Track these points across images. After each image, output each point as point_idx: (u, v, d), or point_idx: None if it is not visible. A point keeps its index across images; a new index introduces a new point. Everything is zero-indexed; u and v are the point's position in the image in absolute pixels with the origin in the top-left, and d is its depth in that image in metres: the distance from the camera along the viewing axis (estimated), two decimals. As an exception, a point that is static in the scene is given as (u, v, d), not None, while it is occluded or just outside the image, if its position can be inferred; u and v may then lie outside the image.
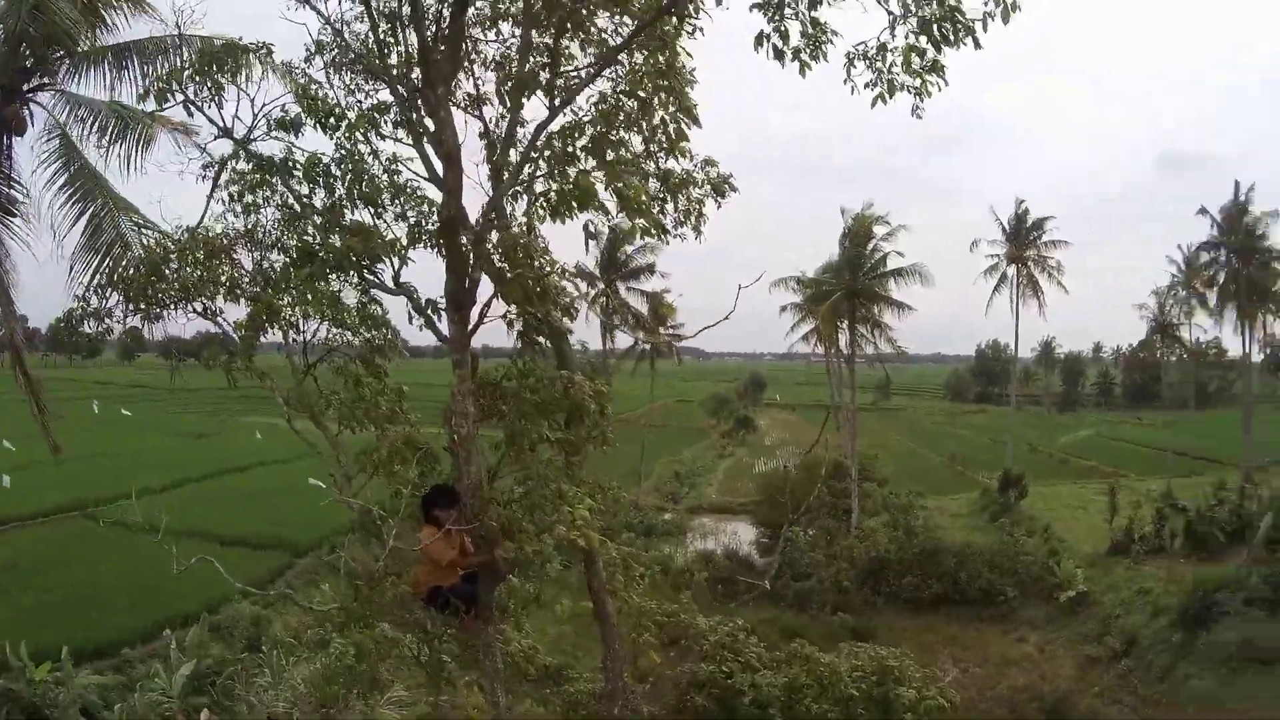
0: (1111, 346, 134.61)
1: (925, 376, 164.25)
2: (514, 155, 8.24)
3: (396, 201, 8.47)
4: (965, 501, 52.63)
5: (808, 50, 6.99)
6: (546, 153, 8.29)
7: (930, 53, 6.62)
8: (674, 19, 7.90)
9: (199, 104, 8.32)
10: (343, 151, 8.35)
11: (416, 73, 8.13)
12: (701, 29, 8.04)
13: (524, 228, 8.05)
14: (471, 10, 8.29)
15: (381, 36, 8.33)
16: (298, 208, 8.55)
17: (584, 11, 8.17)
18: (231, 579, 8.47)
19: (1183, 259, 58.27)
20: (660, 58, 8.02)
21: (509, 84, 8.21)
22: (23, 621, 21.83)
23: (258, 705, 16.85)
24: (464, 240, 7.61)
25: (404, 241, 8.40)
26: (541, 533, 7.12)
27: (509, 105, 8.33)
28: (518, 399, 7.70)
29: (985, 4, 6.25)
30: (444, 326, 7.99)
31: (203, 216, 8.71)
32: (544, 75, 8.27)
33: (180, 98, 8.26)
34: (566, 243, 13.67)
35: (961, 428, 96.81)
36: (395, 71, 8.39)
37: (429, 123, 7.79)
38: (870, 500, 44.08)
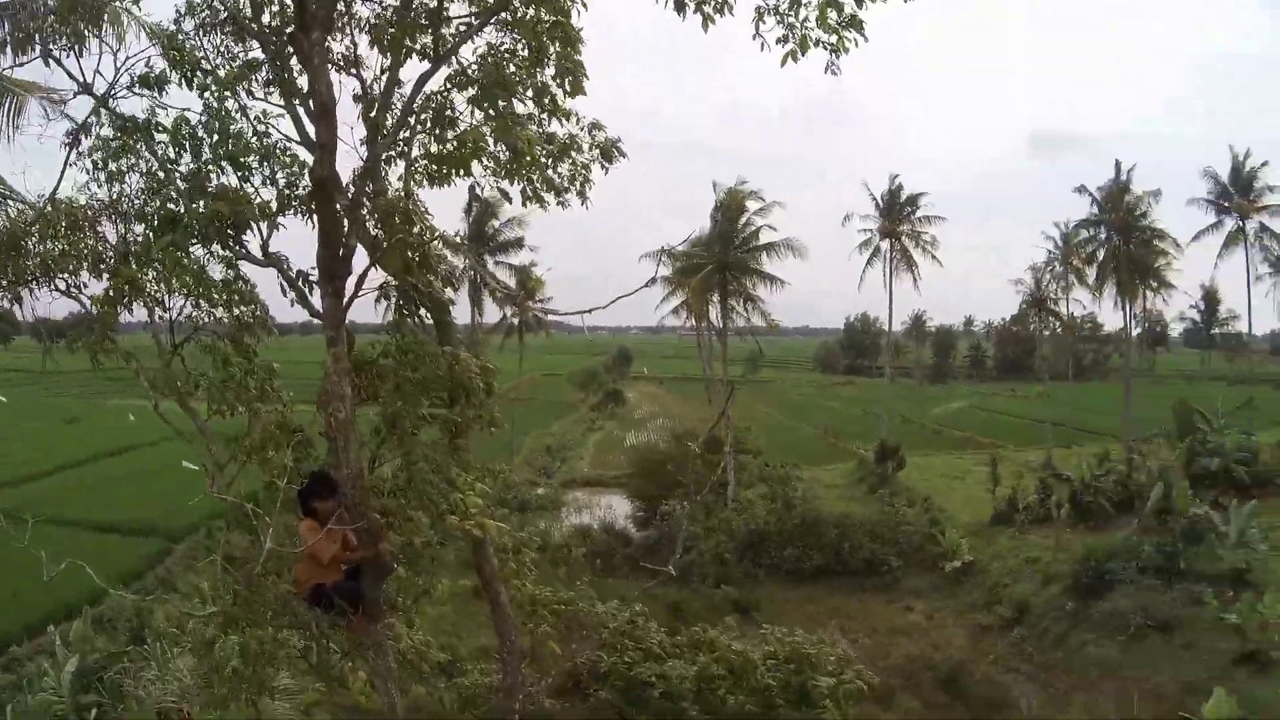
0: (983, 321, 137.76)
1: (793, 349, 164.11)
2: (392, 119, 7.69)
3: (265, 164, 7.78)
4: (840, 472, 53.03)
5: (712, 1, 6.66)
6: (426, 114, 7.80)
7: (849, 7, 6.36)
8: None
9: (58, 56, 7.59)
10: (210, 111, 7.69)
11: (291, 30, 7.50)
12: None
13: (401, 192, 7.53)
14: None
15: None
16: (162, 174, 7.87)
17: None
18: (104, 582, 7.90)
19: (1060, 235, 60.02)
20: (546, 10, 7.46)
21: (388, 36, 7.57)
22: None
23: (146, 699, 16.37)
24: (338, 205, 7.04)
25: (274, 207, 7.73)
26: (432, 524, 6.66)
27: (388, 61, 7.76)
28: (398, 378, 7.22)
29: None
30: (317, 300, 7.42)
31: (58, 183, 8.06)
32: (426, 36, 7.73)
33: (38, 49, 7.51)
34: (439, 213, 13.11)
35: (831, 399, 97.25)
36: (268, 31, 7.76)
37: (302, 82, 7.20)
38: (745, 473, 44.30)
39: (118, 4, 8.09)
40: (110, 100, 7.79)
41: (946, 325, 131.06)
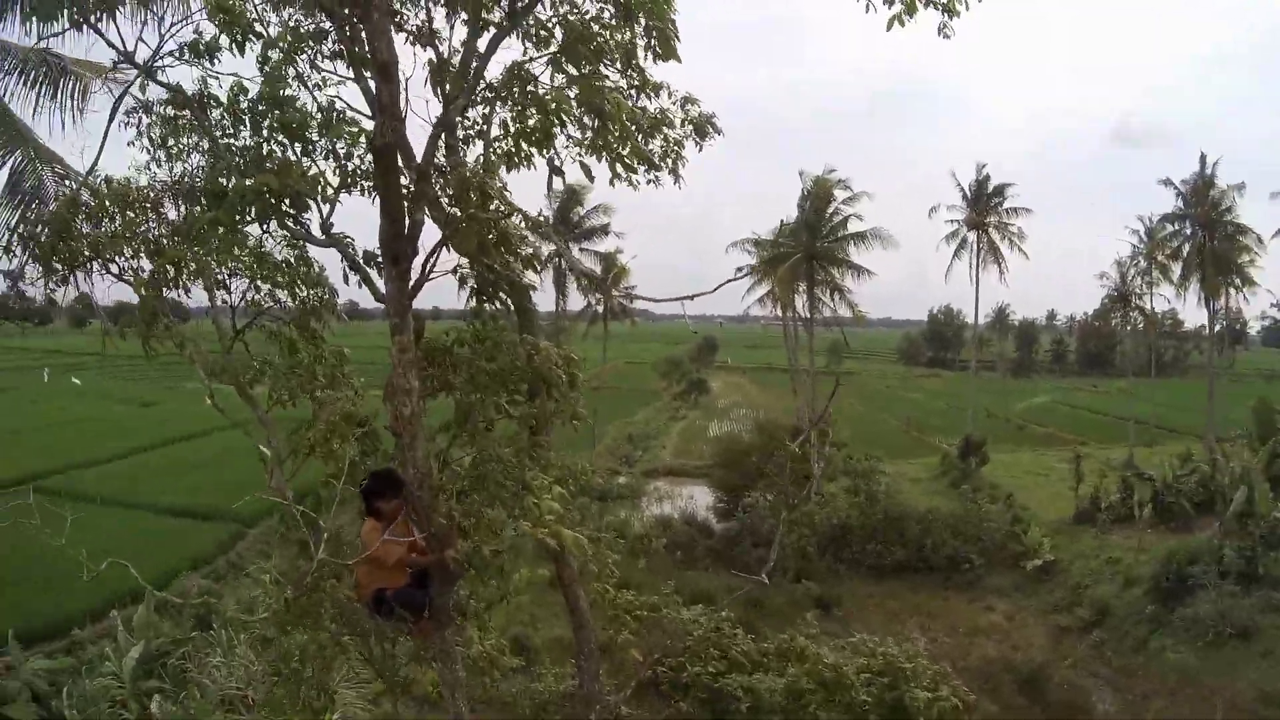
0: (1065, 315, 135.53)
1: (876, 341, 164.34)
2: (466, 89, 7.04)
3: (326, 138, 7.13)
4: (924, 467, 52.37)
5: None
6: (506, 91, 7.18)
7: None
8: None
9: (92, 23, 7.09)
10: (269, 80, 7.12)
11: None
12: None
13: (480, 167, 6.87)
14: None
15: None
16: (218, 150, 7.34)
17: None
18: (147, 584, 7.49)
19: (1144, 230, 57.89)
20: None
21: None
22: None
23: (210, 687, 16.03)
24: (404, 178, 6.44)
25: (333, 182, 7.06)
26: (505, 530, 6.07)
27: (464, 35, 7.13)
28: (472, 368, 6.65)
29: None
30: (381, 283, 6.83)
31: (98, 155, 7.62)
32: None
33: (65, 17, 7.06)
34: (519, 201, 12.50)
35: (914, 391, 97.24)
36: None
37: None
38: (830, 465, 43.40)
39: None
40: (156, 71, 7.26)
41: (1030, 319, 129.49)
